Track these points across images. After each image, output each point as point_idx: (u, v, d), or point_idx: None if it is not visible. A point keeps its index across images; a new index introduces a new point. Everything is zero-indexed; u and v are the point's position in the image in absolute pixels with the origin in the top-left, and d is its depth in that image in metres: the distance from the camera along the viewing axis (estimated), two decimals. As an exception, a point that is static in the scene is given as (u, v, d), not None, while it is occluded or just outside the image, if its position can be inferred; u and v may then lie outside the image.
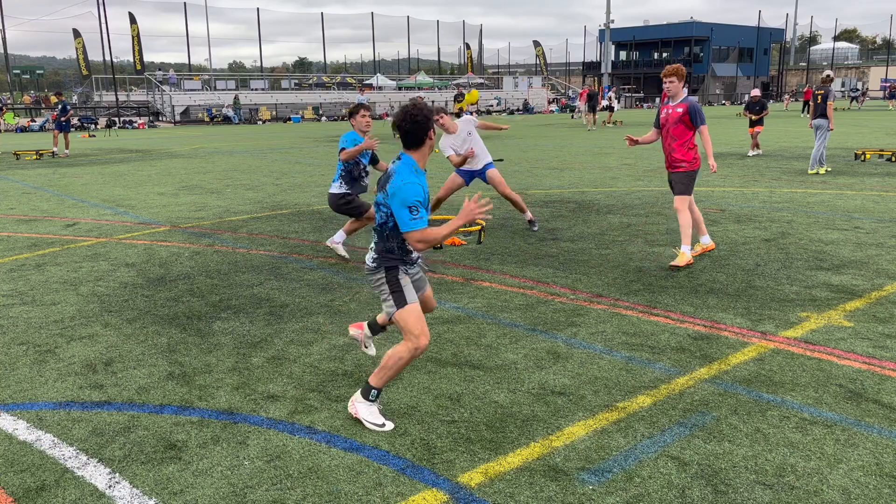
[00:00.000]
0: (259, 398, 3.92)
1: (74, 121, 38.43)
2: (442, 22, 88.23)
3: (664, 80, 6.68)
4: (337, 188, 6.89)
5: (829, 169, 14.05)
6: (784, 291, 5.78)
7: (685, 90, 6.76)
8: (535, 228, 8.47)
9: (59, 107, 21.09)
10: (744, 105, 17.98)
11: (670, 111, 6.70)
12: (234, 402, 3.88)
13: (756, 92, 18.07)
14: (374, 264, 3.66)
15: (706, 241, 7.19)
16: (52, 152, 20.65)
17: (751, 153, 17.29)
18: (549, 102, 58.90)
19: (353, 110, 6.86)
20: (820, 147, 13.50)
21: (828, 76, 14.08)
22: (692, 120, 6.60)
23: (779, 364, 4.29)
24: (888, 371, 4.16)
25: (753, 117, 17.48)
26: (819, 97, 13.52)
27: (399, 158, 3.59)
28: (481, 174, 8.35)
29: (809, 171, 13.64)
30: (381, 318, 4.22)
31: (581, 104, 38.58)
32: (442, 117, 7.92)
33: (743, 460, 3.20)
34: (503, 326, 5.04)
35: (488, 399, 3.87)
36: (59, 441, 3.47)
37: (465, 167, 8.34)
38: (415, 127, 3.50)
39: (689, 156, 6.67)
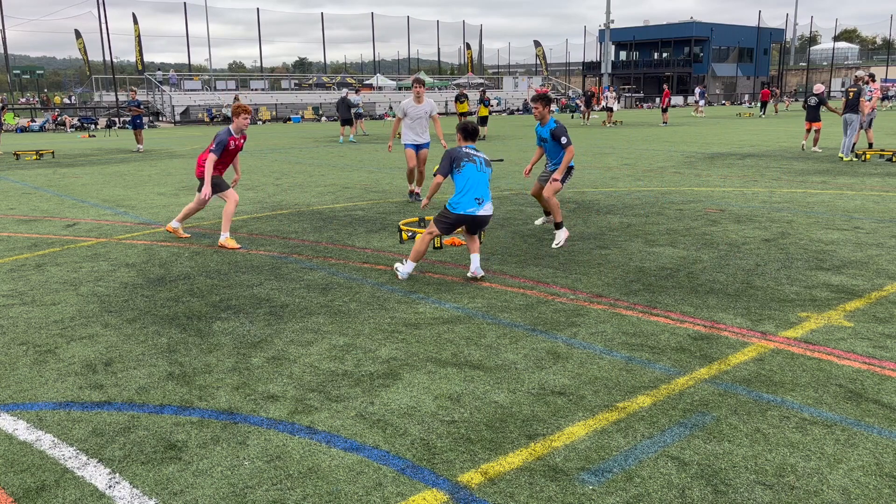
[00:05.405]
0: (259, 398, 3.92)
1: (74, 120, 38.49)
2: (442, 22, 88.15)
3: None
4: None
5: (853, 159, 15.83)
6: (784, 291, 5.78)
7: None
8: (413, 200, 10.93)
9: (135, 105, 21.90)
10: (804, 100, 18.82)
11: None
12: (234, 402, 3.89)
13: (820, 87, 18.33)
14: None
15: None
16: (139, 149, 21.79)
17: (816, 148, 17.89)
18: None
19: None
20: (851, 137, 15.76)
21: (860, 77, 16.66)
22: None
23: (779, 364, 4.29)
24: (888, 371, 4.16)
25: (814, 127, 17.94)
26: (851, 94, 15.86)
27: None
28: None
29: (845, 158, 15.74)
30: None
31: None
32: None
33: (743, 460, 3.20)
34: (503, 326, 5.04)
35: (488, 399, 3.87)
36: (59, 441, 3.47)
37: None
38: None
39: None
